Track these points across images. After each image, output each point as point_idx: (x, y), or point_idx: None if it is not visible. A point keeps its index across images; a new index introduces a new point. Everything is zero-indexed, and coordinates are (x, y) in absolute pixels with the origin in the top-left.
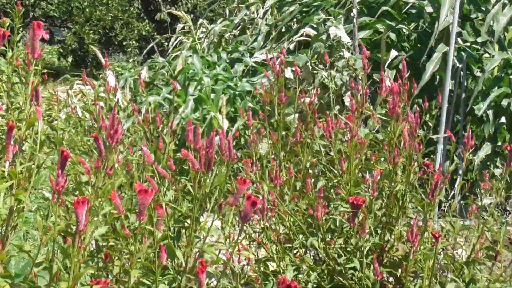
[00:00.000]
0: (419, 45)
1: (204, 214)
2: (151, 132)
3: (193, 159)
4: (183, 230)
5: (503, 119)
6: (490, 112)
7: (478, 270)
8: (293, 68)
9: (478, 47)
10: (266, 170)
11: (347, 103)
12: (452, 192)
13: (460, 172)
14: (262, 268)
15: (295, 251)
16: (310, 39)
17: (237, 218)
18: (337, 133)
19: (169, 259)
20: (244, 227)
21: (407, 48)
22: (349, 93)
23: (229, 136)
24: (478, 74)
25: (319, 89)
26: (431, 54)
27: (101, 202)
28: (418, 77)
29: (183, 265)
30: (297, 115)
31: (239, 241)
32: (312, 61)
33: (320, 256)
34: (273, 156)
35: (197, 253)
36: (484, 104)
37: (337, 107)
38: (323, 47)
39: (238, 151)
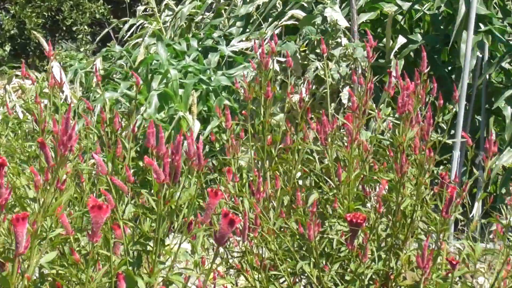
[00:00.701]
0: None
1: (170, 235)
2: (108, 136)
3: (158, 169)
4: (145, 255)
5: None
6: (509, 109)
7: None
8: (280, 59)
9: (508, 29)
10: (247, 181)
11: (344, 100)
12: (472, 209)
13: (482, 184)
14: None
15: (281, 280)
16: (298, 24)
17: (210, 240)
18: (334, 136)
19: None
20: (220, 251)
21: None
22: (347, 88)
23: (200, 140)
24: (506, 65)
25: (311, 84)
26: (448, 42)
27: (49, 222)
28: (432, 70)
29: None
30: (282, 115)
31: (214, 267)
32: (301, 50)
33: (312, 285)
34: (258, 166)
35: (162, 283)
36: (501, 98)
37: (333, 105)
38: (314, 32)
39: (213, 158)
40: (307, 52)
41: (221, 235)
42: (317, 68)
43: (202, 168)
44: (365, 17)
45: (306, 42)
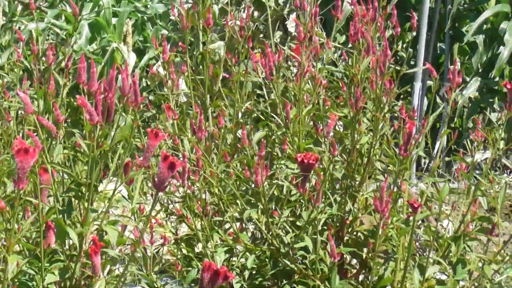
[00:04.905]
0: None
1: (104, 180)
2: (41, 71)
3: (92, 110)
4: (76, 202)
5: (500, 47)
6: (480, 37)
7: (469, 248)
8: None
9: None
10: (187, 119)
11: (291, 29)
12: (434, 145)
13: (445, 118)
14: (183, 250)
15: (227, 226)
16: None
17: (149, 184)
18: (279, 69)
19: (59, 241)
20: (160, 196)
21: None
22: (293, 16)
23: (135, 74)
24: None
25: (251, 9)
26: None
27: None
28: None
29: (78, 248)
30: (222, 43)
31: (152, 214)
32: None
33: (261, 233)
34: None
35: (96, 232)
36: (472, 27)
37: (279, 34)
38: None
39: (150, 94)
40: None
41: (161, 180)
42: None
43: (138, 106)
44: None
45: None
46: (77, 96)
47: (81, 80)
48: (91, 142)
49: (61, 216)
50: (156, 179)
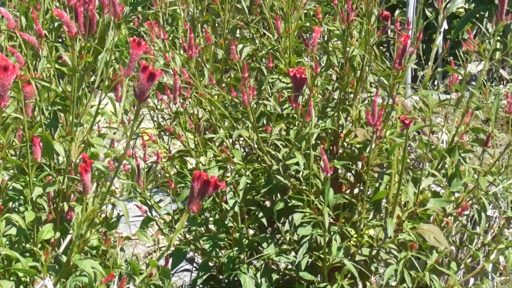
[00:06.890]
0: None
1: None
2: None
3: (69, 21)
4: (62, 115)
5: None
6: None
7: (463, 160)
8: None
9: None
10: (179, 34)
11: None
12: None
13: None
14: (176, 167)
15: (220, 141)
16: None
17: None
18: None
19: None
20: (152, 112)
21: None
22: None
23: None
24: None
25: None
26: None
27: None
28: None
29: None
30: None
31: (139, 128)
32: None
33: (252, 149)
34: (188, 18)
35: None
36: None
37: None
38: None
39: (144, 8)
40: None
41: (141, 90)
42: None
43: (119, 17)
44: None
45: None
46: (53, 9)
47: None
48: (72, 55)
49: (47, 130)
50: (136, 90)
